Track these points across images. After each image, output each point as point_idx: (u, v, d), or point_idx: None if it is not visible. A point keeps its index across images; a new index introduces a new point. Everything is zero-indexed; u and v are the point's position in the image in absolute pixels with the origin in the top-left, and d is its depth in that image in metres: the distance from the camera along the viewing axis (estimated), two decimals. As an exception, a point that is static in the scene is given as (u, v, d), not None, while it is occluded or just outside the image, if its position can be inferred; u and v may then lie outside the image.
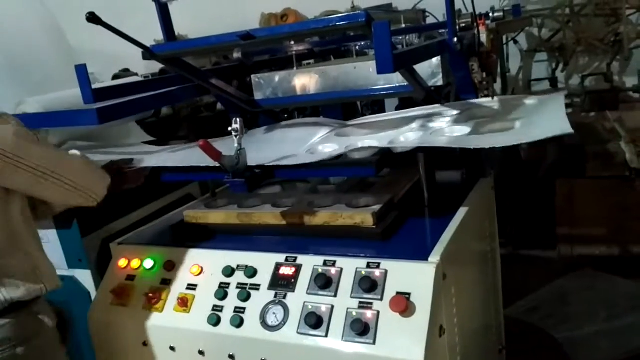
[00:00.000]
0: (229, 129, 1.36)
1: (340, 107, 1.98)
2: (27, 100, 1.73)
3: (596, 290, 2.56)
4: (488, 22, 1.73)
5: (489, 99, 1.67)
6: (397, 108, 2.09)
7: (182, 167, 1.51)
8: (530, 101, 1.63)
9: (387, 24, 1.14)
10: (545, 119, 1.39)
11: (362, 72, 1.75)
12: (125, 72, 2.92)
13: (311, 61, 2.26)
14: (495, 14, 1.86)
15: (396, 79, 1.68)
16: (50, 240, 1.83)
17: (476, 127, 1.40)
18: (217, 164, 1.33)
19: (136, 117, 2.19)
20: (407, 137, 1.43)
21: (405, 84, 1.60)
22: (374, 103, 2.16)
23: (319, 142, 1.58)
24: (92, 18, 1.35)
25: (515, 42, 2.82)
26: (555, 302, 2.52)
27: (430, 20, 2.56)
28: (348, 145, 1.50)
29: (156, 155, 1.74)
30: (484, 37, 1.61)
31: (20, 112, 1.73)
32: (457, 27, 1.57)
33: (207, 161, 1.34)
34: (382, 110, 2.16)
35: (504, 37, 2.73)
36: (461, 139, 1.34)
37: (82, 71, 1.44)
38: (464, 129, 1.39)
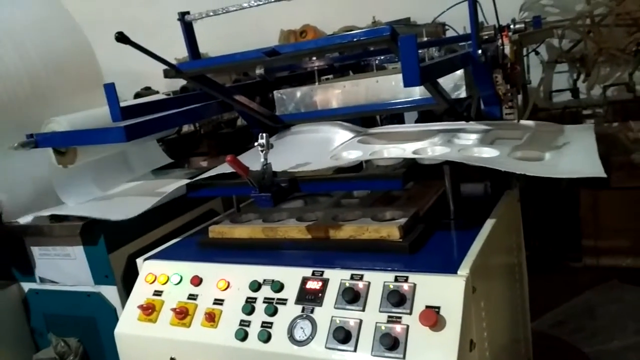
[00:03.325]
0: (255, 144, 1.37)
1: (360, 121, 1.99)
2: (55, 119, 1.77)
3: (624, 303, 2.51)
4: (510, 33, 1.73)
5: (514, 121, 1.67)
6: (417, 121, 2.09)
7: (208, 183, 1.53)
8: (554, 128, 1.64)
9: (414, 38, 1.15)
10: (576, 156, 1.40)
11: (384, 86, 1.76)
12: (147, 90, 2.98)
13: (330, 76, 2.28)
14: (517, 26, 1.86)
15: (418, 92, 1.69)
16: (77, 256, 1.86)
17: (504, 150, 1.40)
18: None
19: (161, 135, 2.22)
20: (435, 150, 1.43)
21: (427, 96, 1.60)
22: (393, 116, 2.16)
23: (342, 149, 1.58)
24: (121, 37, 1.38)
25: (537, 53, 2.81)
26: (583, 315, 2.48)
27: (449, 33, 2.57)
28: (373, 152, 1.50)
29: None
30: (507, 49, 1.61)
31: (48, 130, 1.77)
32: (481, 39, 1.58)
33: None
34: (401, 123, 2.16)
35: (525, 49, 2.72)
36: (492, 160, 1.34)
37: (110, 90, 1.47)
38: (492, 152, 1.39)
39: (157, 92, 2.73)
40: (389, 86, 1.75)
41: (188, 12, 1.84)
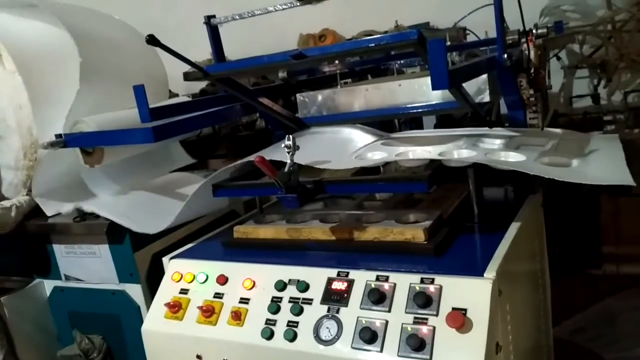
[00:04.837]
0: (282, 145, 1.39)
1: (379, 125, 2.00)
2: (84, 119, 1.80)
3: (645, 311, 2.49)
4: (532, 38, 1.73)
5: (538, 128, 1.68)
6: (436, 126, 2.10)
7: (236, 183, 1.55)
8: (579, 137, 1.64)
9: (443, 42, 1.16)
10: (603, 163, 1.40)
11: (407, 90, 1.77)
12: (168, 93, 3.01)
13: (349, 80, 2.30)
14: (539, 31, 1.86)
15: (440, 96, 1.70)
16: (102, 255, 1.89)
17: (531, 156, 1.41)
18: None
19: (186, 136, 2.25)
20: (461, 153, 1.43)
21: (449, 100, 1.61)
22: (412, 121, 2.17)
23: (366, 150, 1.60)
24: (151, 40, 1.41)
25: (559, 58, 2.80)
26: (603, 322, 2.46)
27: (469, 38, 2.57)
28: (398, 154, 1.51)
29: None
30: (532, 54, 1.61)
31: (76, 130, 1.80)
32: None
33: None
34: (420, 127, 2.17)
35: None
36: (522, 164, 1.35)
37: (140, 91, 1.50)
38: (519, 156, 1.40)
39: (177, 95, 2.76)
40: (411, 90, 1.76)
41: (214, 16, 1.86)
